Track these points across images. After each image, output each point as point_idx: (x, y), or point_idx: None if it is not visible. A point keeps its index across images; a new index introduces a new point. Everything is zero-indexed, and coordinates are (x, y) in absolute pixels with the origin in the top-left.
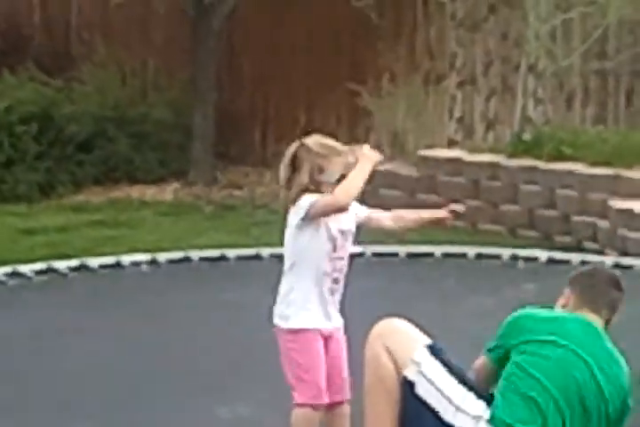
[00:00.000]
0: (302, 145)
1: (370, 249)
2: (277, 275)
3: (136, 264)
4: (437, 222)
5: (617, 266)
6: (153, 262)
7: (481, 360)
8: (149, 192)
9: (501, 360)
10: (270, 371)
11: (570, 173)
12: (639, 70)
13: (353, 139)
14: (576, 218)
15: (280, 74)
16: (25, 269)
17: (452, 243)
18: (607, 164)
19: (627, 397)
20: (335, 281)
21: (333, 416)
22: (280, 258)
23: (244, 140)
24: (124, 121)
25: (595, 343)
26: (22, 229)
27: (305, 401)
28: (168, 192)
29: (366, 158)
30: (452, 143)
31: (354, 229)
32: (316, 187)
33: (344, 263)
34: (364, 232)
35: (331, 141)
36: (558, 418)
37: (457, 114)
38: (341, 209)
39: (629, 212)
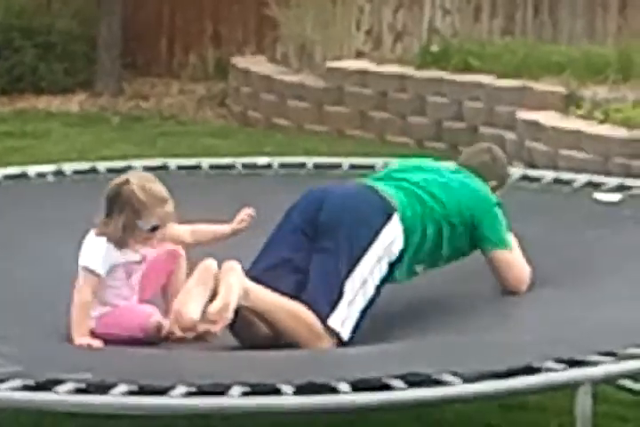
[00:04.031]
0: (127, 184)
1: (277, 160)
2: (184, 186)
3: (42, 175)
4: (236, 232)
5: (525, 178)
6: (59, 173)
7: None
8: (55, 103)
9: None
10: None
11: (477, 84)
12: None
13: (260, 49)
14: (483, 130)
15: None
16: None
17: (359, 154)
18: (514, 76)
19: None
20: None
21: None
22: (186, 169)
23: (150, 51)
24: (30, 31)
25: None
26: None
27: None
28: (74, 103)
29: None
30: (359, 55)
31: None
32: (131, 230)
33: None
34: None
35: (157, 187)
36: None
37: (365, 25)
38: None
39: (536, 123)
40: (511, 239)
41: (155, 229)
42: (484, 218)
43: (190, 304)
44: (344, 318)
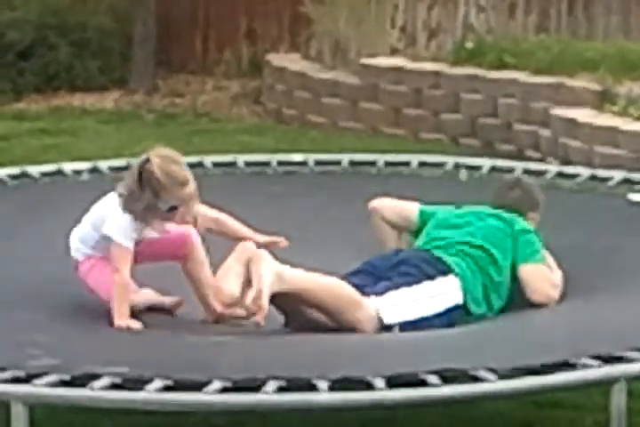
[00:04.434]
0: (148, 163)
1: (312, 157)
2: (219, 182)
3: (77, 172)
4: (259, 244)
5: (560, 175)
6: (94, 171)
7: (408, 205)
8: (90, 100)
9: (426, 216)
10: None
11: (512, 81)
12: None
13: (294, 46)
14: (518, 126)
15: None
16: None
17: (393, 151)
18: (549, 72)
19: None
20: None
21: None
22: (220, 166)
23: (184, 48)
24: (64, 28)
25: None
26: None
27: None
28: (109, 100)
29: None
30: (394, 52)
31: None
32: (153, 208)
33: None
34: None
35: (177, 168)
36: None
37: (399, 22)
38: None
39: (571, 120)
40: (546, 258)
41: (173, 209)
42: (519, 242)
43: (229, 280)
44: (390, 304)
